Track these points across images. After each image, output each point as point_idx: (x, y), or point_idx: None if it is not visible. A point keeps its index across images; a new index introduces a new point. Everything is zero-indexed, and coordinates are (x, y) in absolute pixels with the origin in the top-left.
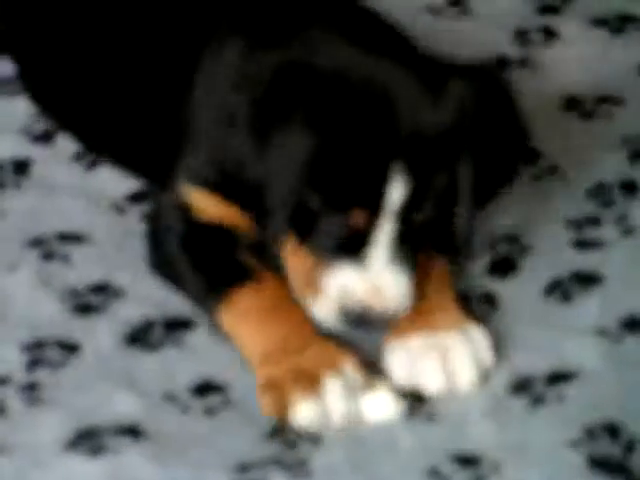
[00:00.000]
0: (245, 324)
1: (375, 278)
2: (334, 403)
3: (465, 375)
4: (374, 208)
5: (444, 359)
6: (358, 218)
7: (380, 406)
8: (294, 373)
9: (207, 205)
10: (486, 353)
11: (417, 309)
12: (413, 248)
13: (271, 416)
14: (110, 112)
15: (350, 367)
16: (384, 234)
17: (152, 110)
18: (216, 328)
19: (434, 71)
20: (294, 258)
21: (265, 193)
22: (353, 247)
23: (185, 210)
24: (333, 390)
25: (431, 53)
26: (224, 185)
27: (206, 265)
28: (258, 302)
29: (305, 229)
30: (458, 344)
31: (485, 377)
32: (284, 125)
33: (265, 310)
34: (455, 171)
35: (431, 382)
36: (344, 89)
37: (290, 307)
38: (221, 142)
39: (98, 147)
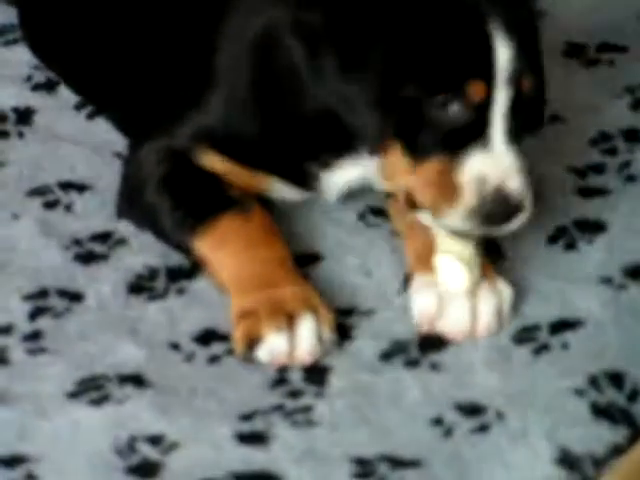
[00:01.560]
0: (223, 248)
1: (504, 160)
2: (304, 341)
3: (486, 323)
4: (488, 76)
5: (472, 303)
6: (476, 92)
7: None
8: (270, 305)
9: (217, 165)
10: (507, 307)
11: None
12: (522, 130)
13: (240, 345)
14: (109, 63)
15: (325, 311)
16: (501, 106)
17: (154, 53)
18: (191, 259)
19: None
20: (410, 175)
21: (346, 107)
22: (474, 131)
23: (183, 158)
24: (306, 328)
25: None
26: (252, 142)
27: (188, 199)
28: (239, 229)
29: (412, 135)
30: (486, 291)
31: (499, 329)
32: (365, 29)
33: (246, 238)
34: (537, 44)
35: (456, 322)
36: None
37: (275, 241)
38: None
39: (94, 99)
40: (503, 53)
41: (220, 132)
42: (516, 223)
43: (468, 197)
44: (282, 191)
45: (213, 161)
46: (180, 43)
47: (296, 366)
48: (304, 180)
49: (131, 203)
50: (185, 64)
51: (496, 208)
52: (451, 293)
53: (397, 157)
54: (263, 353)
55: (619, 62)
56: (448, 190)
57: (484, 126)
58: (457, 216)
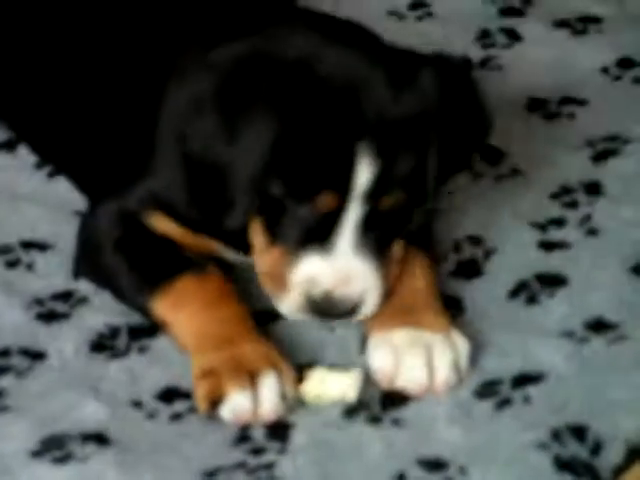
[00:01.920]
0: (180, 310)
1: (341, 265)
2: (268, 398)
3: (444, 376)
4: (342, 190)
5: (427, 357)
6: (326, 202)
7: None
8: (231, 364)
9: (166, 227)
10: (464, 360)
11: (402, 305)
12: (384, 237)
13: (203, 404)
14: (65, 125)
15: (286, 368)
16: (351, 219)
17: (108, 122)
18: (151, 320)
19: (402, 58)
20: (262, 255)
21: (229, 181)
22: (319, 234)
23: (135, 221)
24: (269, 385)
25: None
26: (187, 207)
27: (144, 261)
28: (197, 290)
29: (270, 219)
30: (441, 345)
31: (459, 383)
32: (247, 112)
33: (202, 298)
34: (422, 157)
35: (413, 377)
36: (307, 74)
37: (232, 301)
38: (187, 137)
39: (51, 158)
40: (362, 173)
41: (164, 198)
42: (353, 316)
43: (294, 295)
44: (229, 254)
45: (162, 224)
46: (128, 111)
47: (259, 424)
48: (242, 244)
49: (88, 265)
50: (132, 131)
51: (322, 310)
52: (406, 348)
53: (257, 234)
54: (226, 412)
55: (580, 115)
56: (281, 282)
57: (331, 231)
58: (287, 307)
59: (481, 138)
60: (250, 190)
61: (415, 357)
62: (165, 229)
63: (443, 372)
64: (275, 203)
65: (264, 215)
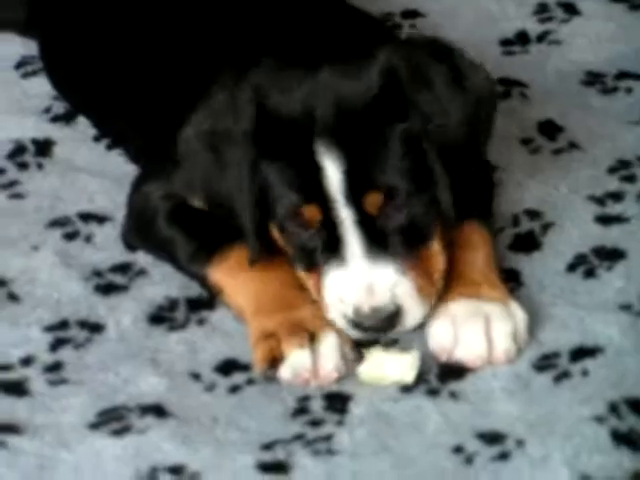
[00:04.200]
0: (237, 275)
1: (361, 279)
2: (328, 357)
3: (503, 347)
4: (319, 199)
5: (486, 328)
6: (310, 215)
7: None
8: (289, 325)
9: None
10: (523, 331)
11: (460, 276)
12: (405, 236)
13: (262, 365)
14: (121, 101)
15: (344, 333)
16: (349, 227)
17: (161, 111)
18: (207, 288)
19: (363, 46)
20: (305, 278)
21: (232, 213)
22: (330, 251)
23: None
24: (329, 344)
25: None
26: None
27: (199, 230)
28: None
29: (289, 244)
30: (499, 315)
31: (517, 353)
32: (227, 148)
33: (259, 264)
34: (407, 140)
35: (471, 348)
36: (265, 110)
37: (288, 267)
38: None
39: (108, 132)
40: (331, 174)
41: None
42: (405, 324)
43: (334, 316)
44: None
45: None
46: (180, 101)
47: (319, 384)
48: None
49: (143, 235)
50: (182, 120)
51: (362, 325)
52: (464, 320)
53: (292, 260)
54: (286, 371)
55: (637, 90)
56: (323, 304)
57: (338, 245)
58: (340, 325)
59: (485, 105)
60: (250, 218)
61: (473, 328)
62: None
63: (502, 342)
64: (283, 228)
65: (284, 240)
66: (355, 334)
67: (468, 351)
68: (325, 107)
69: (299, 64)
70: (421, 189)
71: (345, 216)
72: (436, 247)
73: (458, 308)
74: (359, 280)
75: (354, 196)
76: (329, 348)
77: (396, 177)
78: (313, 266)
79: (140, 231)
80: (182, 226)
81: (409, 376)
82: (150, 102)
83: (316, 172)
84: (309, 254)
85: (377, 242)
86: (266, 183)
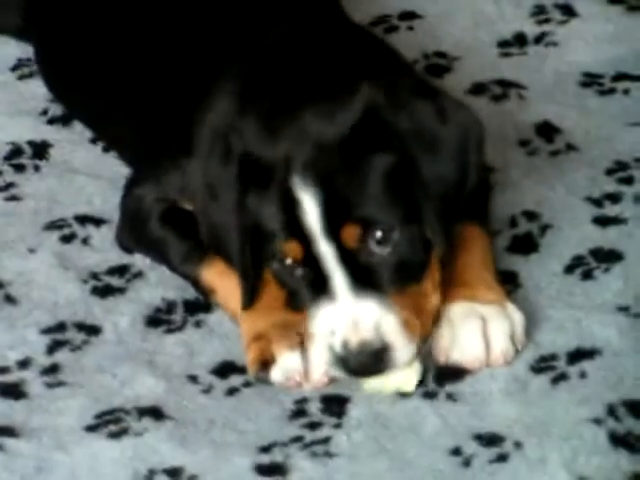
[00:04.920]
0: (229, 276)
1: (349, 313)
2: (318, 361)
3: (500, 348)
4: (299, 235)
5: (483, 329)
6: (291, 251)
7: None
8: (280, 327)
9: None
10: (521, 332)
11: (457, 279)
12: (390, 271)
13: (253, 367)
14: (115, 105)
15: None
16: (331, 259)
17: (155, 109)
18: (199, 290)
19: (344, 79)
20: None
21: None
22: (317, 287)
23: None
24: (319, 348)
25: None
26: None
27: (191, 230)
28: None
29: (281, 283)
30: (496, 317)
31: (515, 355)
32: (220, 190)
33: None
34: (369, 178)
35: (469, 350)
36: (259, 148)
37: None
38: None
39: (102, 135)
40: (309, 211)
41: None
42: (386, 366)
43: (320, 351)
44: None
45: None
46: (173, 107)
47: (311, 387)
48: None
49: (136, 238)
50: (174, 126)
51: (349, 361)
52: (461, 322)
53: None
54: (277, 374)
55: (634, 91)
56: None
57: (323, 280)
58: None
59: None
60: (239, 257)
61: (470, 330)
62: None
63: (499, 344)
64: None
65: (276, 279)
66: (343, 374)
67: (465, 353)
68: (302, 145)
69: (282, 107)
70: (406, 221)
71: (325, 250)
72: (428, 285)
73: (455, 310)
74: (345, 314)
75: (332, 230)
76: (320, 353)
77: (374, 209)
78: (301, 304)
79: (133, 233)
80: (174, 228)
81: (411, 385)
82: (144, 105)
83: (294, 208)
84: (296, 292)
85: (361, 276)
86: (254, 224)
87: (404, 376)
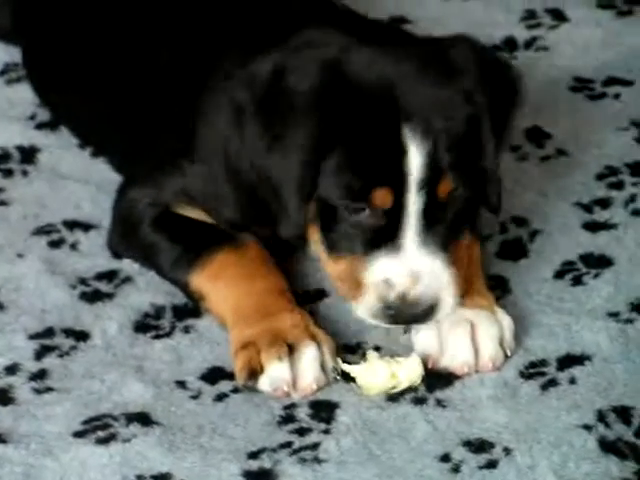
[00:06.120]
0: (220, 280)
1: (411, 265)
2: (307, 369)
3: (489, 354)
4: (396, 184)
5: (471, 335)
6: (382, 199)
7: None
8: (268, 335)
9: (196, 216)
10: (510, 337)
11: None
12: (451, 228)
13: (242, 376)
14: (105, 110)
15: (326, 339)
16: (412, 214)
17: (148, 114)
18: (189, 295)
19: (430, 44)
20: (329, 262)
21: (278, 191)
22: (384, 236)
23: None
24: (308, 356)
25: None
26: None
27: (182, 235)
28: (235, 262)
29: (329, 227)
30: (485, 322)
31: (504, 360)
32: (286, 119)
33: (242, 271)
34: (472, 132)
35: (458, 356)
36: (340, 76)
37: (271, 273)
38: (231, 147)
39: (90, 141)
40: (414, 161)
41: (197, 195)
42: (432, 318)
43: (371, 299)
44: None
45: (194, 214)
46: (169, 108)
47: (299, 396)
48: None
49: (127, 241)
50: (170, 129)
51: (400, 312)
52: (450, 327)
53: (319, 241)
54: (265, 383)
55: (625, 96)
56: (355, 288)
57: (396, 230)
58: (364, 312)
59: (517, 102)
60: (301, 198)
61: (459, 335)
62: (197, 217)
63: (488, 349)
64: (332, 210)
65: (323, 222)
66: (385, 321)
67: (454, 358)
68: (409, 91)
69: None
70: (479, 181)
71: (414, 202)
72: (466, 239)
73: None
74: (411, 267)
75: (430, 184)
76: (308, 360)
77: (466, 166)
78: (352, 250)
79: (125, 237)
80: (166, 233)
81: (418, 379)
82: (136, 109)
83: (397, 156)
84: (352, 237)
85: (432, 232)
86: (328, 160)
87: (410, 370)
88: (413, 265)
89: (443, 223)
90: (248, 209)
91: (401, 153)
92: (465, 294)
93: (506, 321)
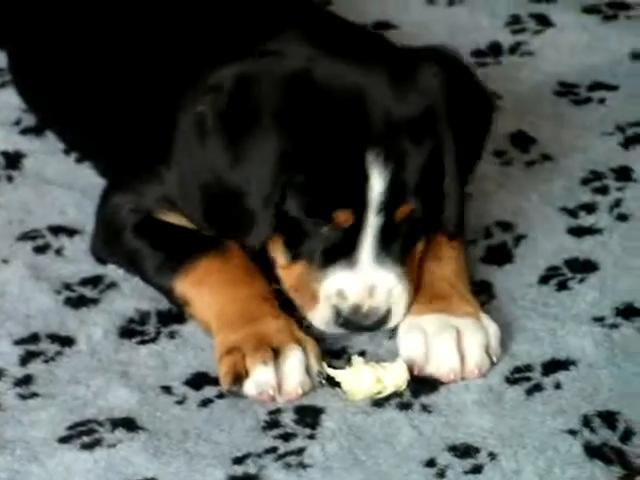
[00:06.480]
0: (204, 286)
1: (366, 278)
2: (292, 373)
3: (475, 361)
4: (357, 206)
5: (457, 342)
6: (342, 219)
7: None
8: (253, 340)
9: (178, 222)
10: (496, 344)
11: (431, 291)
12: (406, 242)
13: (226, 381)
14: (90, 115)
15: (311, 344)
16: (370, 232)
17: (130, 120)
18: (173, 301)
19: (401, 60)
20: (286, 270)
21: (243, 204)
22: (342, 250)
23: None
24: (293, 360)
25: (393, 43)
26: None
27: (166, 241)
28: (220, 268)
29: (290, 236)
30: (471, 329)
31: (490, 367)
32: (250, 131)
33: (226, 276)
34: (437, 153)
35: (443, 363)
36: (307, 88)
37: (255, 279)
38: (195, 159)
39: (75, 146)
40: (376, 186)
41: (177, 204)
42: (382, 327)
43: (325, 309)
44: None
45: (176, 220)
46: (149, 113)
47: (284, 400)
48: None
49: (111, 247)
50: (150, 136)
51: (352, 322)
52: (436, 334)
53: (278, 251)
54: (250, 387)
55: (610, 101)
56: (310, 299)
57: (353, 246)
58: (318, 321)
59: (488, 124)
60: (266, 210)
61: (445, 342)
62: (179, 223)
63: (474, 357)
64: (293, 222)
65: (283, 232)
66: (335, 330)
67: (440, 366)
68: (375, 113)
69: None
70: (437, 202)
71: (372, 222)
72: (419, 249)
73: (429, 322)
74: (365, 281)
75: (388, 207)
76: (293, 364)
77: (425, 192)
78: (310, 260)
79: (108, 243)
80: (149, 238)
81: (404, 382)
82: (120, 115)
83: (359, 179)
84: (312, 248)
85: (388, 248)
86: (294, 177)
87: (396, 374)
88: (367, 279)
89: (399, 240)
90: (216, 218)
91: (364, 177)
92: (451, 300)
93: (492, 328)
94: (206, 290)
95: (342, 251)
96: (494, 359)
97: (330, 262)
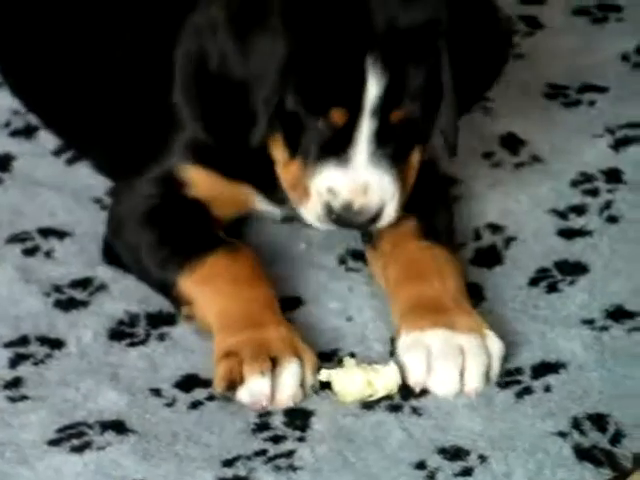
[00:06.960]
0: (209, 286)
1: (358, 176)
2: (287, 386)
3: (475, 385)
4: (352, 106)
5: (461, 364)
6: (337, 117)
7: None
8: (253, 347)
9: (203, 179)
10: (497, 364)
11: (432, 304)
12: (400, 147)
13: (221, 385)
14: (89, 107)
15: (309, 356)
16: (365, 132)
17: (130, 104)
18: (173, 298)
19: None
20: (285, 168)
21: (248, 97)
22: (336, 148)
23: (174, 187)
24: (289, 373)
25: None
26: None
27: (175, 237)
28: (227, 267)
29: (289, 134)
30: (475, 350)
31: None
32: (258, 29)
33: (232, 277)
34: (436, 68)
35: (444, 382)
36: None
37: (261, 282)
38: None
39: (76, 143)
40: (372, 88)
41: (201, 146)
42: (373, 226)
43: (315, 205)
44: (263, 206)
45: (197, 177)
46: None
47: (273, 406)
48: (273, 186)
49: (115, 242)
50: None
51: (343, 218)
52: (440, 352)
53: (278, 148)
54: (244, 394)
55: (600, 103)
56: (303, 193)
57: (347, 145)
58: (309, 217)
59: (501, 54)
60: (268, 104)
61: (448, 362)
62: (205, 187)
63: (474, 381)
64: (292, 117)
65: (283, 130)
66: (326, 226)
67: (440, 386)
68: (379, 17)
69: None
70: (433, 109)
71: (367, 124)
72: (416, 158)
73: (433, 339)
74: (358, 178)
75: (383, 110)
76: (289, 377)
77: (422, 97)
78: (305, 155)
79: (112, 237)
80: (158, 231)
81: (395, 386)
82: (121, 113)
83: (357, 81)
84: (308, 143)
85: (380, 149)
86: (295, 75)
87: (388, 378)
88: (359, 177)
89: (393, 143)
90: (217, 118)
91: (362, 79)
92: (454, 315)
93: (496, 347)
94: (210, 288)
95: (336, 149)
96: (493, 379)
97: (323, 159)
